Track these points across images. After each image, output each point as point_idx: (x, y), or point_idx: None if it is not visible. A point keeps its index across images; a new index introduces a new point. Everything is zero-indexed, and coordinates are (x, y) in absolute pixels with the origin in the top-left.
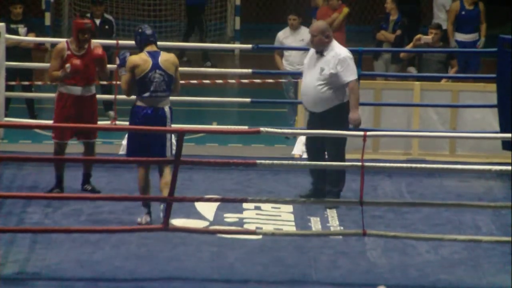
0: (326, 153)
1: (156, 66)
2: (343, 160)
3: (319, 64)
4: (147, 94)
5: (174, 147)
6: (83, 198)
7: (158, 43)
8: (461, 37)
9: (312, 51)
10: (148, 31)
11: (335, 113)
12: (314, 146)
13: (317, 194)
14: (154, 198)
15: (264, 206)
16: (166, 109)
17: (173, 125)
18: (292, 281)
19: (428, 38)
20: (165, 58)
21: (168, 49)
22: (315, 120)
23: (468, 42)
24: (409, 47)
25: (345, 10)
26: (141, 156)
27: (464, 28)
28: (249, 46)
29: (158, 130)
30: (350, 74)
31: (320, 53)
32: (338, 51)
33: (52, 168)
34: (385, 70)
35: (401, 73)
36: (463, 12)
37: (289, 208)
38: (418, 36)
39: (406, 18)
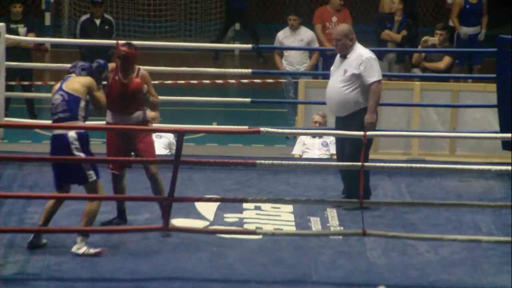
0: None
1: (59, 88)
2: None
3: (342, 66)
4: (53, 119)
5: (174, 147)
6: (83, 198)
7: (158, 42)
8: (464, 30)
9: (337, 57)
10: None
11: (360, 117)
12: (340, 151)
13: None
14: (154, 198)
15: (264, 206)
16: (71, 134)
17: (173, 125)
18: (292, 281)
19: (434, 39)
20: (73, 80)
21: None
22: (339, 125)
23: (471, 35)
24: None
25: None
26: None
27: (468, 21)
28: (249, 46)
29: (159, 130)
30: (373, 75)
31: (344, 56)
32: (361, 51)
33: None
34: (389, 71)
35: (404, 73)
36: (467, 6)
37: (289, 208)
38: (425, 38)
39: (411, 19)
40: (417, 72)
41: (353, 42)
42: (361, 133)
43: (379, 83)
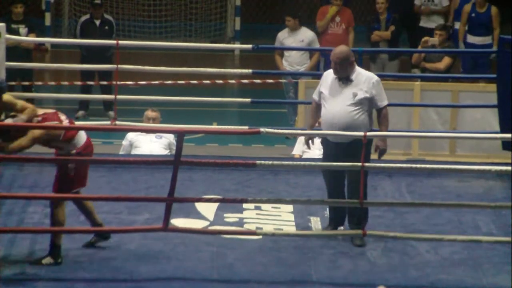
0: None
1: None
2: (365, 197)
3: (349, 89)
4: None
5: (174, 147)
6: (83, 198)
7: (158, 42)
8: (471, 39)
9: (329, 79)
10: None
11: (366, 142)
12: (334, 180)
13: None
14: (154, 198)
15: (264, 206)
16: None
17: (173, 125)
18: (292, 281)
19: (434, 40)
20: None
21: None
22: (339, 153)
23: (477, 45)
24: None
25: (332, 9)
26: None
27: (474, 30)
28: (249, 46)
29: (159, 130)
30: (384, 98)
31: (346, 78)
32: (368, 74)
33: (52, 168)
34: (382, 71)
35: (401, 71)
36: (473, 14)
37: (289, 208)
38: (425, 38)
39: (396, 14)
40: (417, 72)
41: (353, 64)
42: (361, 133)
43: (387, 107)
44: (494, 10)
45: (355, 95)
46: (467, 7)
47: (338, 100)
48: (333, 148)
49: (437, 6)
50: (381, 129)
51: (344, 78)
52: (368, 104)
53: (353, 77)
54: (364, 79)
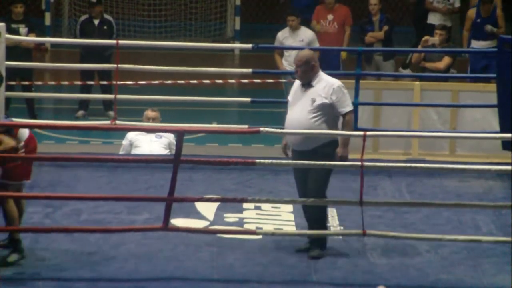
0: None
1: None
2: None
3: (308, 95)
4: None
5: (174, 147)
6: (83, 198)
7: (158, 42)
8: (476, 44)
9: (296, 85)
10: None
11: (327, 150)
12: (300, 181)
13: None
14: (154, 198)
15: (264, 206)
16: None
17: (173, 125)
18: (292, 281)
19: (435, 39)
20: None
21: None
22: (301, 160)
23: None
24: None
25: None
26: None
27: (479, 35)
28: (249, 46)
29: (159, 130)
30: (347, 104)
31: (308, 84)
32: (330, 80)
33: (52, 168)
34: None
35: (396, 71)
36: (478, 20)
37: (289, 208)
38: (425, 38)
39: (388, 14)
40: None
41: (315, 69)
42: (361, 133)
43: (352, 113)
44: (499, 11)
45: (313, 101)
46: (472, 13)
47: (298, 106)
48: (297, 156)
49: (451, 6)
50: (343, 135)
51: (306, 84)
52: (328, 110)
53: (314, 82)
54: (325, 85)
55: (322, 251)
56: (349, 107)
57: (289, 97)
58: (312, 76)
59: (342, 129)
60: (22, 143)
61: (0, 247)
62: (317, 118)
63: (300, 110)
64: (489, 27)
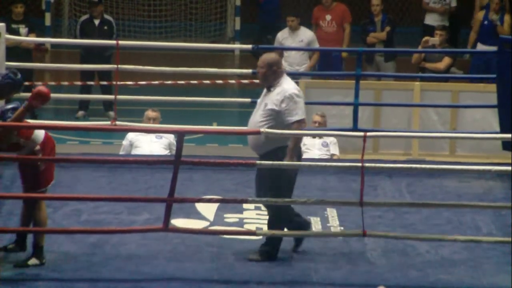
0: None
1: None
2: (286, 211)
3: (265, 99)
4: None
5: (174, 148)
6: (83, 198)
7: (158, 42)
8: (481, 47)
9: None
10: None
11: (276, 157)
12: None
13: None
14: (154, 199)
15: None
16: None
17: (173, 126)
18: (292, 281)
19: (435, 39)
20: None
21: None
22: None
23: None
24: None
25: None
26: None
27: (486, 39)
28: (249, 46)
29: (159, 130)
30: (295, 113)
31: (268, 88)
32: (286, 86)
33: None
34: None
35: (397, 71)
36: (485, 22)
37: None
38: (426, 38)
39: (391, 15)
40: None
41: (276, 74)
42: (361, 133)
43: (301, 123)
44: (507, 17)
45: (265, 105)
46: (480, 15)
47: (256, 109)
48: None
49: (448, 5)
50: (289, 146)
51: (268, 88)
52: (276, 117)
53: (274, 87)
54: (279, 91)
55: (261, 258)
56: (298, 117)
57: (259, 100)
58: (272, 80)
59: (290, 139)
60: (38, 147)
61: (8, 251)
62: (264, 123)
63: (256, 114)
64: None
